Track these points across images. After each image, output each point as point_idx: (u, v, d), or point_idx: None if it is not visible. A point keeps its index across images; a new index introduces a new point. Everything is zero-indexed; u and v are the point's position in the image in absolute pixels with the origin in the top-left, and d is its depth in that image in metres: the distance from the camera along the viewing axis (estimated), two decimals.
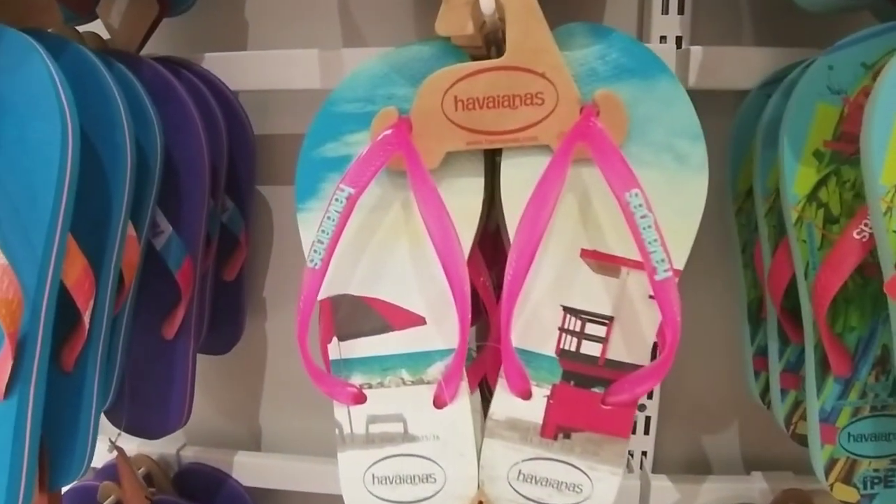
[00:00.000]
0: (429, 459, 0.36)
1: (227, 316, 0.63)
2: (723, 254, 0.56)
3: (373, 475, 0.36)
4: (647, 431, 0.61)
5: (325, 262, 0.34)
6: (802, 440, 0.51)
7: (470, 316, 0.34)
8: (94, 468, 0.66)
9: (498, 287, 0.40)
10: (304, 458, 0.65)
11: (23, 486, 0.40)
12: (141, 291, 0.51)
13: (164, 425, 0.55)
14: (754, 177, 0.49)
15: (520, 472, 0.36)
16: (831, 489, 0.44)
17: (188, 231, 0.51)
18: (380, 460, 0.36)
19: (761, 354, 0.54)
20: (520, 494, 0.36)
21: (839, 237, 0.40)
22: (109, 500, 0.62)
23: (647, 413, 0.61)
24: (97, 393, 0.45)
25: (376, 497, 0.36)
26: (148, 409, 0.55)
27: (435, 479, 0.36)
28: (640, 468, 0.61)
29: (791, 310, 0.48)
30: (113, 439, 0.58)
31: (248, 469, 0.65)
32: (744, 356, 0.55)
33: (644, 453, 0.61)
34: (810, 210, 0.42)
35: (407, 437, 0.36)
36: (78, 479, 0.46)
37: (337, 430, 0.37)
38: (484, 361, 0.38)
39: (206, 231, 0.53)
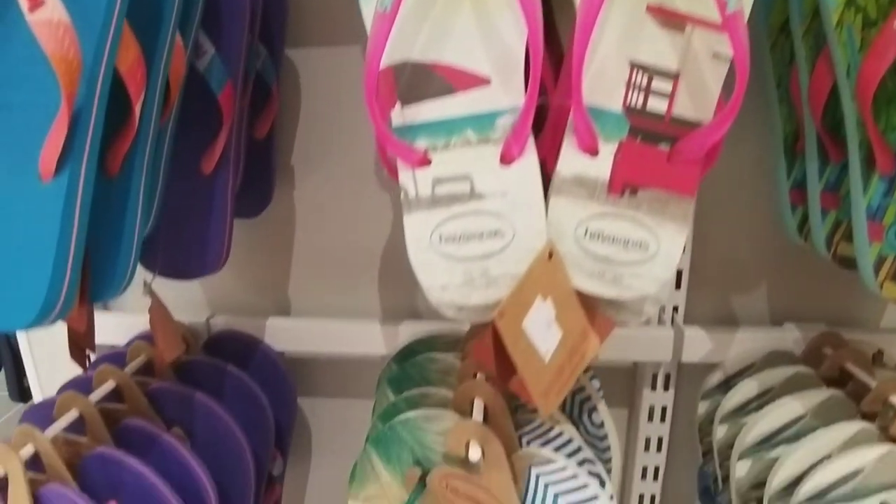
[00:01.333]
0: (497, 215, 0.35)
1: (257, 176, 0.61)
2: (755, 104, 0.56)
3: (440, 235, 0.35)
4: (678, 286, 0.61)
5: (395, 7, 0.33)
6: (844, 262, 0.51)
7: (541, 68, 0.33)
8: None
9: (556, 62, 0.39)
10: (335, 320, 0.64)
11: (66, 284, 0.36)
12: (181, 121, 0.49)
13: (202, 265, 0.53)
14: (791, 1, 0.49)
15: (587, 229, 0.36)
16: (881, 288, 0.43)
17: (230, 54, 0.49)
18: (447, 219, 0.35)
19: (798, 188, 0.53)
20: (586, 252, 0.35)
21: (880, 29, 0.40)
22: (138, 359, 0.61)
23: (678, 267, 0.60)
24: (142, 203, 0.43)
25: (444, 255, 0.35)
26: (185, 249, 0.53)
27: (503, 234, 0.35)
28: (672, 323, 0.61)
29: (831, 128, 0.49)
30: (148, 281, 0.55)
31: (279, 334, 0.64)
32: (780, 192, 0.54)
33: (675, 308, 0.61)
34: (849, 14, 0.42)
35: (474, 195, 0.36)
36: (118, 293, 0.44)
37: (402, 195, 0.36)
38: (545, 127, 0.38)
39: (245, 65, 0.52)
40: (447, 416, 0.47)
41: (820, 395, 0.52)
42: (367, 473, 0.51)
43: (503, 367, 0.42)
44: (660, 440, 0.65)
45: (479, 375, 0.50)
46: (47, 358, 0.72)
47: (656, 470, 0.65)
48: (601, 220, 0.35)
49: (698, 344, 0.59)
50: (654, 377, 0.63)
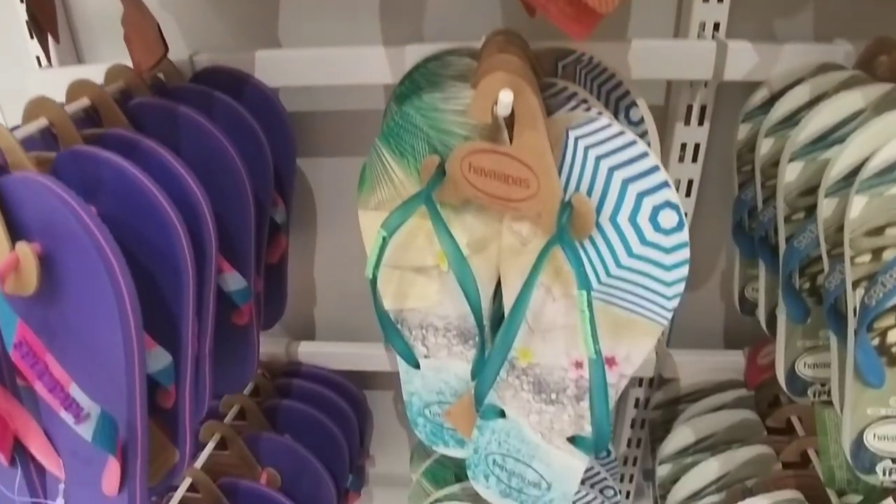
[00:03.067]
0: None
1: (272, 294, 0.60)
2: None
3: None
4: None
5: None
6: None
7: None
8: None
9: None
10: (332, 48, 0.54)
11: None
12: None
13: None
14: None
15: None
16: None
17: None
18: None
19: None
20: None
21: None
22: (116, 84, 0.52)
23: None
24: None
25: None
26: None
27: None
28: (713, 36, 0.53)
29: None
30: None
31: (272, 68, 0.55)
32: None
33: (716, 25, 0.53)
34: None
35: None
36: None
37: None
38: None
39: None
40: (468, 91, 0.40)
41: (881, 89, 0.44)
42: (378, 174, 0.44)
43: None
44: (690, 183, 0.58)
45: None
46: None
47: (685, 216, 0.59)
48: None
49: (743, 59, 0.51)
50: (689, 109, 0.55)
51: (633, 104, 0.50)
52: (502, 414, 0.44)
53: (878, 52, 0.50)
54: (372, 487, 0.81)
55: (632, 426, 0.70)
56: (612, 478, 0.61)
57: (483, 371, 0.40)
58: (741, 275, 0.57)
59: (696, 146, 0.57)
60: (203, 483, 0.57)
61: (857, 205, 0.39)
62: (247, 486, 0.58)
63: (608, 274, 0.38)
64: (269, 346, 0.66)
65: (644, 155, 0.36)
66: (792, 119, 0.49)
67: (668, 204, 0.36)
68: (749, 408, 0.60)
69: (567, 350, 0.40)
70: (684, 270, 0.37)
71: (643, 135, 0.45)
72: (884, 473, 0.42)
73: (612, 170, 0.36)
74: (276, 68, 0.57)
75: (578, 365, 0.40)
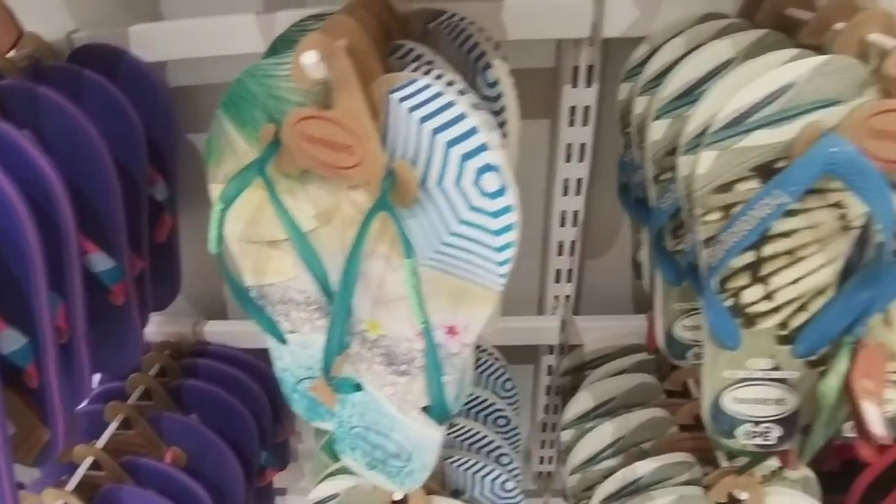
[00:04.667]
0: None
1: (164, 273, 0.57)
2: None
3: None
4: None
5: None
6: None
7: None
8: None
9: None
10: (207, 18, 0.51)
11: None
12: None
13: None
14: None
15: None
16: None
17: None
18: None
19: None
20: None
21: None
22: None
23: None
24: None
25: None
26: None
27: None
28: None
29: None
30: None
31: (147, 42, 0.52)
32: None
33: None
34: None
35: None
36: None
37: None
38: None
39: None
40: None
41: (753, 35, 0.41)
42: (223, 146, 0.41)
43: None
44: (582, 147, 0.56)
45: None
46: None
47: (578, 182, 0.57)
48: None
49: (621, 13, 0.47)
50: (576, 70, 0.52)
51: (489, 66, 0.47)
52: (360, 387, 0.42)
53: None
54: (302, 462, 0.80)
55: (547, 393, 0.69)
56: (512, 445, 0.59)
57: (327, 343, 0.39)
58: (633, 239, 0.55)
59: (586, 108, 0.54)
60: (105, 461, 0.56)
61: (706, 160, 0.36)
62: (147, 464, 0.57)
63: (442, 241, 0.36)
64: (176, 326, 0.64)
65: (463, 116, 0.33)
66: (665, 75, 0.46)
67: (490, 167, 0.33)
68: (650, 371, 0.59)
69: (411, 320, 0.38)
70: (511, 235, 0.34)
71: (499, 97, 0.42)
72: (744, 437, 0.41)
73: (435, 132, 0.34)
74: (152, 42, 0.53)
75: (421, 335, 0.38)
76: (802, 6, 0.44)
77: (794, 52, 0.37)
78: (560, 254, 0.61)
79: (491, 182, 0.33)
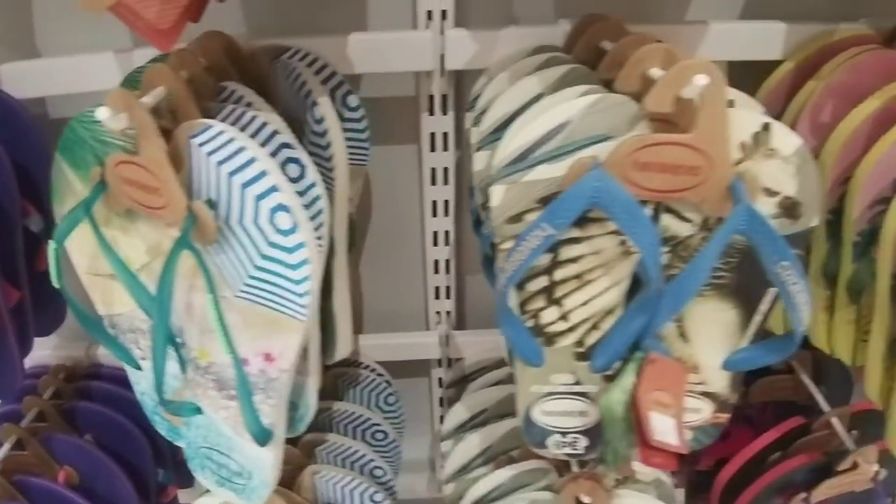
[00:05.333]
0: None
1: (47, 300, 0.56)
2: None
3: None
4: None
5: None
6: None
7: None
8: None
9: None
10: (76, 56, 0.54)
11: None
12: None
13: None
14: None
15: None
16: None
17: None
18: None
19: None
20: None
21: None
22: None
23: None
24: None
25: None
26: None
27: None
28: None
29: None
30: None
31: (15, 79, 0.55)
32: None
33: (443, 13, 0.52)
34: None
35: None
36: None
37: None
38: None
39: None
40: None
41: (559, 71, 0.44)
42: (63, 186, 0.44)
43: None
44: (445, 171, 0.58)
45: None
46: None
47: (446, 204, 0.60)
48: None
49: (462, 47, 0.50)
50: (431, 100, 0.55)
51: (350, 92, 0.50)
52: (200, 410, 0.45)
53: (584, 31, 0.50)
54: None
55: (440, 405, 0.71)
56: (392, 458, 0.62)
57: (154, 370, 0.41)
58: None
59: (445, 135, 0.57)
60: None
61: (498, 193, 0.39)
62: (39, 484, 0.59)
63: (249, 275, 0.38)
64: (71, 349, 0.67)
65: (253, 160, 0.36)
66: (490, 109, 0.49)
67: (281, 206, 0.36)
68: None
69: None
70: (308, 269, 0.37)
71: (325, 133, 0.45)
72: (555, 447, 0.43)
73: (231, 174, 0.36)
74: (26, 79, 0.56)
75: (245, 362, 0.41)
76: (618, 38, 0.47)
77: (583, 88, 0.40)
78: (437, 272, 0.63)
79: (283, 220, 0.36)
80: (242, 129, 0.40)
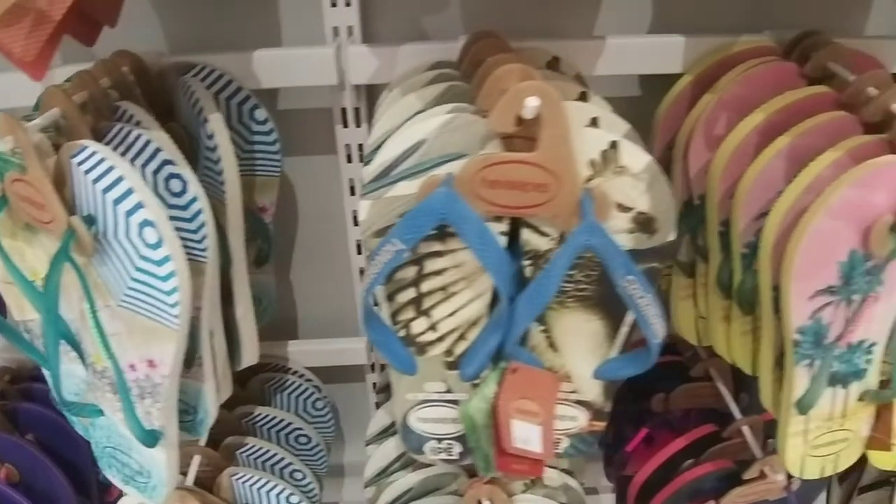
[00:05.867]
0: None
1: None
2: None
3: None
4: (347, 3, 0.54)
5: None
6: None
7: None
8: None
9: None
10: None
11: None
12: None
13: None
14: None
15: None
16: None
17: None
18: None
19: None
20: None
21: None
22: None
23: None
24: None
25: None
26: None
27: None
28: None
29: None
30: None
31: None
32: None
33: (350, 28, 0.55)
34: None
35: None
36: None
37: None
38: None
39: None
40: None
41: (438, 88, 0.46)
42: None
43: None
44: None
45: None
46: None
47: None
48: None
49: (363, 62, 0.53)
50: (344, 112, 0.58)
51: (256, 106, 0.53)
52: (102, 412, 0.48)
53: (470, 48, 0.52)
54: None
55: (377, 408, 0.74)
56: (317, 461, 0.65)
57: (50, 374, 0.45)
58: None
59: (360, 146, 0.60)
60: None
61: (364, 208, 0.42)
62: None
63: (127, 286, 0.42)
64: (15, 352, 0.71)
65: (121, 179, 0.39)
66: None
67: (147, 222, 0.39)
68: None
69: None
70: (176, 281, 0.40)
71: (216, 148, 0.48)
72: (431, 453, 0.46)
73: (104, 192, 0.40)
74: None
75: (132, 367, 0.44)
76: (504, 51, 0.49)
77: (450, 107, 0.43)
78: (362, 279, 0.66)
79: (150, 235, 0.39)
80: (129, 146, 0.44)
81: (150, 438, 0.44)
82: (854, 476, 0.68)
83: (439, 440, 0.46)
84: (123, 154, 0.44)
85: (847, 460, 0.51)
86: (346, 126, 0.58)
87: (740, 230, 0.48)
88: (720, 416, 0.64)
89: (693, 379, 0.65)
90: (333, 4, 0.54)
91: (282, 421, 0.62)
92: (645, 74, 0.59)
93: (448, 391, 0.45)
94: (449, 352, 0.43)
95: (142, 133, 0.43)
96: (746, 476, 0.57)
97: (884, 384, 0.48)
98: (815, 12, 0.58)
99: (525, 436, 0.42)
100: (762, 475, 0.57)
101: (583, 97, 0.46)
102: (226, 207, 0.48)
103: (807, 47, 0.52)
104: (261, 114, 0.53)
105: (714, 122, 0.52)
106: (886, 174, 0.42)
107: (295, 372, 0.66)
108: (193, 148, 0.50)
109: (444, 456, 0.47)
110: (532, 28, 0.57)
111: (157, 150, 0.43)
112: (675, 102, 0.56)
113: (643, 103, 0.58)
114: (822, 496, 0.71)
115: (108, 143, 0.44)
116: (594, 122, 0.42)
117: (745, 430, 0.58)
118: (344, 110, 0.57)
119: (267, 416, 0.62)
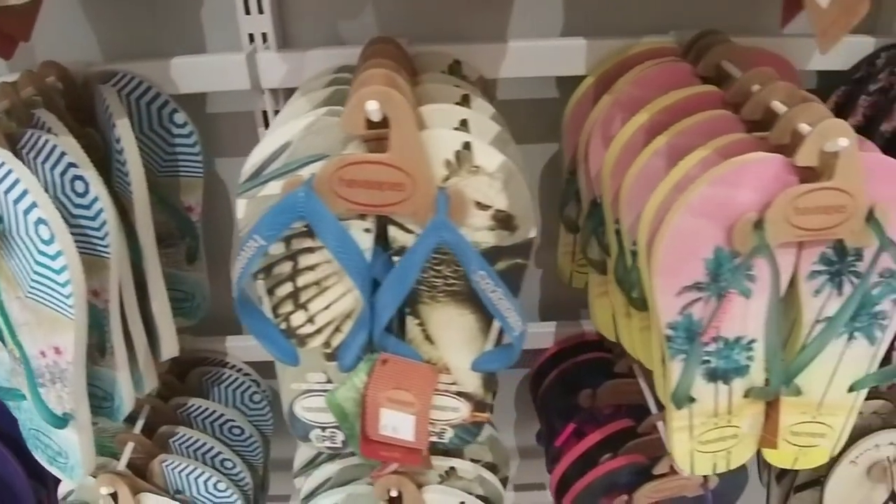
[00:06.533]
0: None
1: None
2: None
3: None
4: (261, 11, 0.57)
5: None
6: None
7: None
8: None
9: None
10: None
11: None
12: None
13: None
14: None
15: None
16: None
17: None
18: None
19: None
20: None
21: None
22: None
23: None
24: None
25: None
26: None
27: None
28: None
29: None
30: None
31: None
32: None
33: (264, 35, 0.59)
34: None
35: None
36: None
37: None
38: None
39: None
40: None
41: (325, 92, 0.50)
42: None
43: None
44: None
45: None
46: None
47: None
48: None
49: (273, 68, 0.57)
50: (265, 115, 0.62)
51: (176, 111, 0.58)
52: (24, 397, 0.53)
53: (365, 51, 0.56)
54: None
55: None
56: (251, 452, 0.69)
57: None
58: None
59: None
60: None
61: (241, 207, 0.46)
62: None
63: (31, 279, 0.46)
64: None
65: (18, 181, 0.44)
66: None
67: (41, 220, 0.44)
68: None
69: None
70: (68, 274, 0.45)
71: (122, 151, 0.52)
72: (317, 440, 0.49)
73: (5, 193, 0.44)
74: None
75: (43, 354, 0.49)
76: (396, 56, 0.52)
77: (323, 110, 0.46)
78: None
79: (44, 231, 0.44)
80: (39, 151, 0.49)
81: (58, 421, 0.49)
82: (790, 475, 0.69)
83: (323, 428, 0.50)
84: (35, 158, 0.49)
85: (740, 457, 0.52)
86: (266, 128, 0.62)
87: (626, 228, 0.51)
88: (649, 412, 0.66)
89: (619, 375, 0.67)
90: (247, 12, 0.58)
91: (214, 412, 0.67)
92: (561, 76, 0.61)
93: (328, 381, 0.48)
94: (327, 343, 0.47)
95: (49, 138, 0.48)
96: (656, 471, 0.59)
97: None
98: (726, 10, 0.59)
99: (394, 424, 0.45)
100: (673, 471, 0.59)
101: (465, 100, 0.49)
102: (132, 205, 0.53)
103: (702, 47, 0.54)
104: (180, 117, 0.58)
105: (610, 123, 0.54)
106: (751, 172, 0.44)
107: (233, 366, 0.71)
108: (109, 152, 0.55)
109: (328, 444, 0.50)
110: (445, 32, 0.60)
111: (63, 154, 0.48)
112: (578, 104, 0.58)
113: (561, 105, 0.60)
114: (763, 494, 0.72)
115: (20, 148, 0.49)
116: (463, 125, 0.45)
117: (659, 425, 0.60)
118: (265, 113, 0.62)
119: (201, 407, 0.67)
